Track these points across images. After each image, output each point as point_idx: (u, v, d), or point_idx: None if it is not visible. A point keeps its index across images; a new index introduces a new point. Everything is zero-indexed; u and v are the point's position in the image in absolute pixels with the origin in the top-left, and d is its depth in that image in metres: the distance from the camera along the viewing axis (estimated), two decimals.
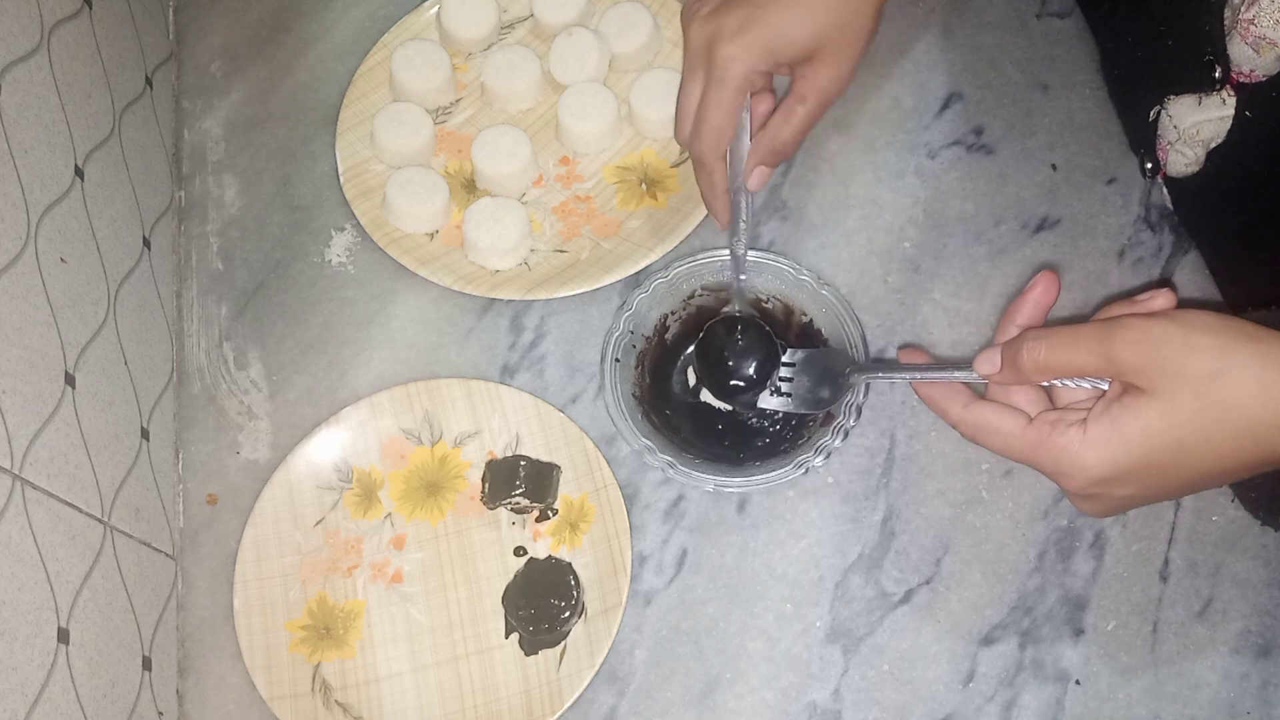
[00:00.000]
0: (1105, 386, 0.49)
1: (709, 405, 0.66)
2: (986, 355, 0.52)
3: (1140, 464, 0.48)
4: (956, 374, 0.53)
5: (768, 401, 0.62)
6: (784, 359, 0.62)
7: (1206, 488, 0.51)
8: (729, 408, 0.65)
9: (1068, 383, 0.50)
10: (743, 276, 0.64)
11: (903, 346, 0.60)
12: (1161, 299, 0.50)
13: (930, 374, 0.55)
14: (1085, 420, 0.49)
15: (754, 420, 0.66)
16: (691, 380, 0.66)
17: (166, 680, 0.62)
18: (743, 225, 0.63)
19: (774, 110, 0.62)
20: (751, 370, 0.62)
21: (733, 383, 0.63)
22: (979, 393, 0.54)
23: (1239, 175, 0.62)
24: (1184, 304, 0.49)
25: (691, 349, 0.66)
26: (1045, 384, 0.51)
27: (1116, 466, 0.48)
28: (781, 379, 0.62)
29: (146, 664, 0.60)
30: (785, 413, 0.63)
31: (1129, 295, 0.51)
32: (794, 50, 0.59)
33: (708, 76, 0.60)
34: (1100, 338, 0.47)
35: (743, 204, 0.63)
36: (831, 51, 0.59)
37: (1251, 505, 0.56)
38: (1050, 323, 0.52)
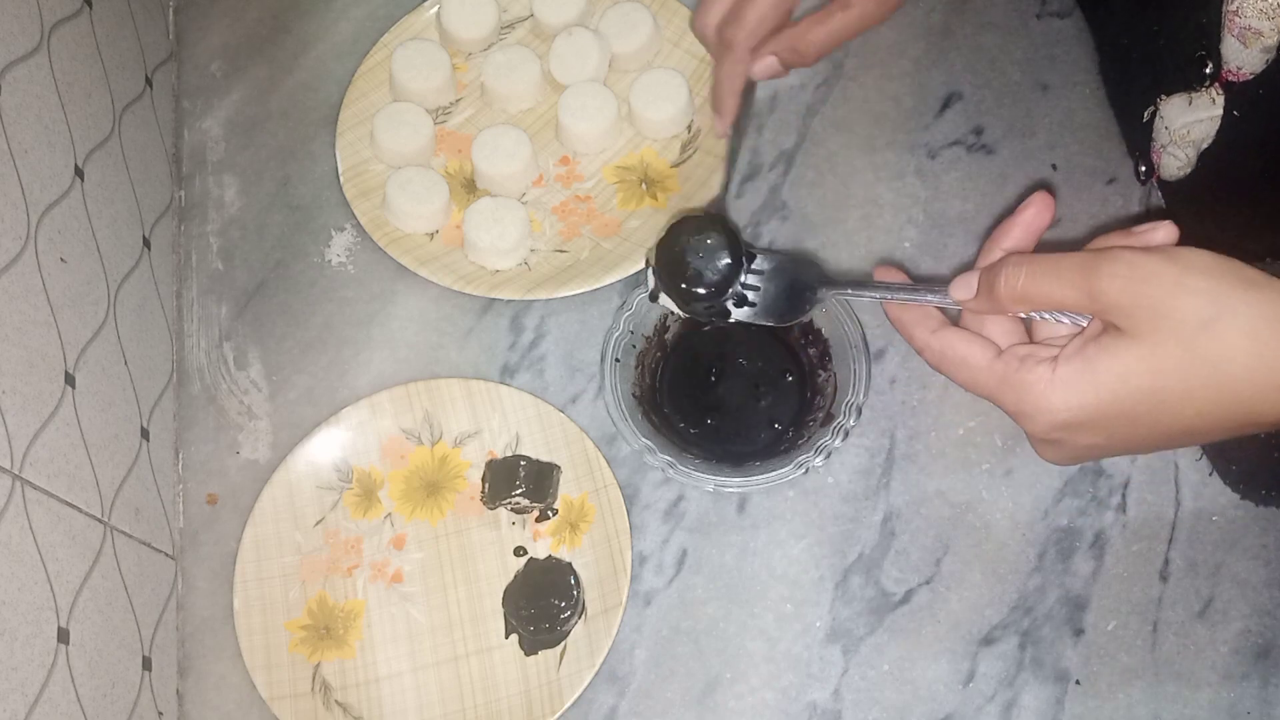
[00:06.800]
0: (1085, 324, 0.45)
1: (708, 404, 0.66)
2: (963, 279, 0.47)
3: (1111, 412, 0.44)
4: (930, 297, 0.49)
5: (733, 313, 0.56)
6: (752, 265, 0.56)
7: (1178, 446, 0.47)
8: (714, 378, 0.64)
9: (1046, 316, 0.46)
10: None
11: (880, 264, 0.57)
12: (1163, 232, 0.45)
13: (903, 295, 0.50)
14: (1057, 358, 0.44)
15: (754, 419, 0.66)
16: (651, 283, 0.58)
17: (166, 680, 0.62)
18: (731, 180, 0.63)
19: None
20: (713, 275, 0.55)
21: (694, 289, 0.55)
22: (954, 319, 0.50)
23: (1230, 177, 0.62)
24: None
25: (652, 250, 0.58)
26: (1023, 316, 0.47)
27: (1084, 411, 0.44)
28: (747, 287, 0.56)
29: (146, 664, 0.60)
30: (756, 323, 0.57)
31: (1127, 225, 0.46)
32: None
33: None
34: (1085, 269, 0.43)
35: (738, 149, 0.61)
36: None
37: (1232, 479, 0.54)
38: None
